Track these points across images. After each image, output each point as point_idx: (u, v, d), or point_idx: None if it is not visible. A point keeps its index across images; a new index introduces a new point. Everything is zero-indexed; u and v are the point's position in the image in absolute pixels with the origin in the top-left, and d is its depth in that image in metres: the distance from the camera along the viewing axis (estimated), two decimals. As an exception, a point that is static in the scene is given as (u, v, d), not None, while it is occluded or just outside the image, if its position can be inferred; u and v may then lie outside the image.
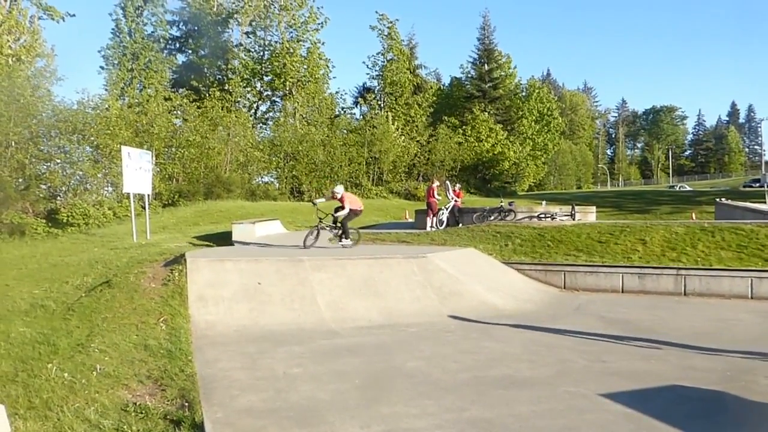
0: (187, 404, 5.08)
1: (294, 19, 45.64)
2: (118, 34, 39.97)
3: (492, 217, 18.58)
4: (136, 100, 34.98)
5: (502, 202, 20.42)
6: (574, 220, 18.07)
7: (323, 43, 46.81)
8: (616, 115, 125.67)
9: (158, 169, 27.72)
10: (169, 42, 45.94)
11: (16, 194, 19.80)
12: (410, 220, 25.61)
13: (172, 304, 8.45)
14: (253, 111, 46.97)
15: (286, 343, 7.65)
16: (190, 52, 46.84)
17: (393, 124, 45.60)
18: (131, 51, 39.22)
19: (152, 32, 42.28)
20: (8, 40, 24.41)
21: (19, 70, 23.30)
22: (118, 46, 39.68)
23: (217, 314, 8.66)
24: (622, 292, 12.30)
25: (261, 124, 47.41)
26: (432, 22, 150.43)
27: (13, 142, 20.42)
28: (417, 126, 50.98)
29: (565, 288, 12.66)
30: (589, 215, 19.91)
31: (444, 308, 9.71)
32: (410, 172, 47.76)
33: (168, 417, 4.81)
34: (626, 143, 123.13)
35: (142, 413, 4.91)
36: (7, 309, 8.74)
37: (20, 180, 20.74)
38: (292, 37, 45.77)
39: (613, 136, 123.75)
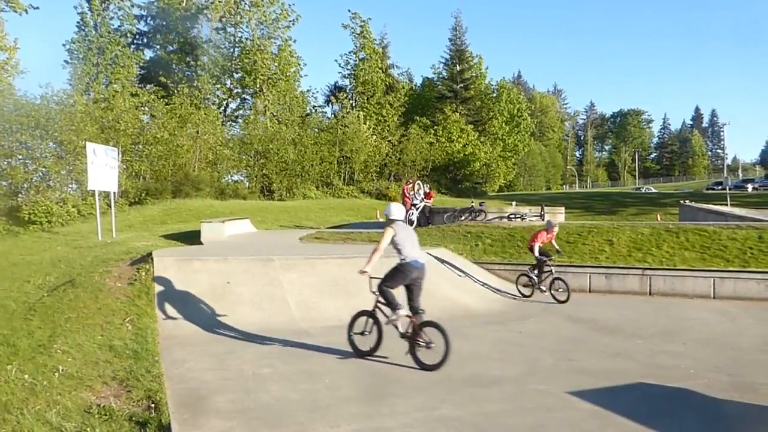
0: (153, 405, 4.96)
1: (265, 16, 45.22)
2: (83, 27, 39.02)
3: (463, 218, 18.71)
4: (102, 96, 34.17)
5: (473, 202, 20.58)
6: (543, 220, 18.30)
7: (294, 41, 46.57)
8: (585, 117, 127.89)
9: (125, 167, 27.11)
10: (137, 37, 45.03)
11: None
12: (381, 219, 25.59)
13: (139, 303, 8.28)
14: (222, 108, 46.36)
15: (256, 343, 7.56)
16: (158, 47, 45.99)
17: (365, 123, 45.56)
18: (97, 45, 38.32)
19: (119, 26, 41.37)
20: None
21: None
22: (83, 40, 38.72)
23: (185, 314, 8.51)
24: (590, 291, 12.51)
25: (231, 122, 46.86)
26: (404, 21, 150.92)
27: (-30, 137, 19.75)
28: (389, 126, 51.07)
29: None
30: (558, 216, 20.20)
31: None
32: (382, 171, 47.81)
33: (134, 419, 4.70)
34: (594, 145, 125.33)
35: (106, 415, 4.78)
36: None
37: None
38: (263, 34, 45.37)
39: (582, 138, 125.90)
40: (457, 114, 56.29)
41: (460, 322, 9.18)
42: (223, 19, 45.44)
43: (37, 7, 27.98)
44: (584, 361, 6.93)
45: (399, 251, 6.66)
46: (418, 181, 20.20)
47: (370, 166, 45.58)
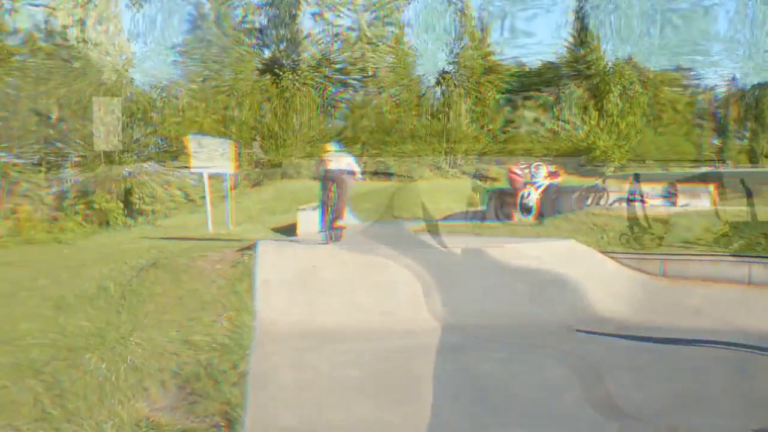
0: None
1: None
2: (199, 25, 40.08)
3: (589, 201, 16.57)
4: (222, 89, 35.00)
5: (597, 179, 18.49)
6: (676, 206, 15.66)
7: (409, 26, 43.96)
8: (724, 92, 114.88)
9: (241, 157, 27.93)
10: (258, 34, 45.50)
11: (103, 176, 20.70)
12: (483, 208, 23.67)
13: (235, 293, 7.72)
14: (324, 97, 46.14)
15: (347, 340, 6.68)
16: (272, 45, 46.57)
17: (464, 104, 44.07)
18: (218, 44, 39.22)
19: (242, 20, 41.87)
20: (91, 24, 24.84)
21: (102, 55, 23.94)
22: (201, 40, 39.80)
23: (281, 307, 7.81)
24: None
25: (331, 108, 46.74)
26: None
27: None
28: (489, 107, 49.01)
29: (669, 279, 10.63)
30: (702, 198, 16.73)
31: (537, 308, 8.36)
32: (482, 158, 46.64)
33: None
34: (733, 128, 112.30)
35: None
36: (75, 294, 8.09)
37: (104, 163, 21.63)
38: (374, 18, 43.48)
39: (720, 119, 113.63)
40: (580, 90, 53.03)
41: (594, 330, 7.62)
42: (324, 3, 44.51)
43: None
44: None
45: None
46: (538, 162, 17.82)
47: (470, 154, 44.72)
